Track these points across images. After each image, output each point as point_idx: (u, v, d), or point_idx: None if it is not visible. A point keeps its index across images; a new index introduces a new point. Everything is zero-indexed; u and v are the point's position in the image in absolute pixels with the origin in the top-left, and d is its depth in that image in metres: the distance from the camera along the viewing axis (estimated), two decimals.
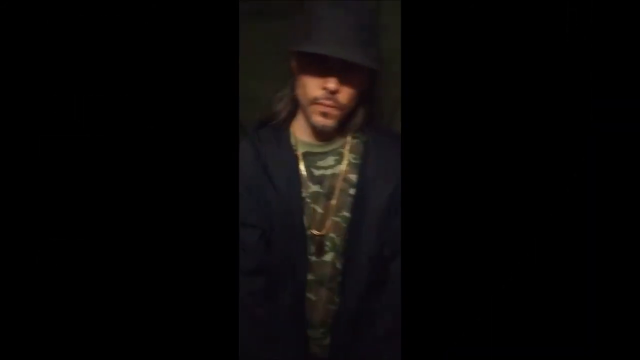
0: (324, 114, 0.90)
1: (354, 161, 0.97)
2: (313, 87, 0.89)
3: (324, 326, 0.96)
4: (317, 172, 0.96)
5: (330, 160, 0.97)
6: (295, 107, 0.97)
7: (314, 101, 0.89)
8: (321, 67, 0.87)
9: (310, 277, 0.94)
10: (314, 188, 0.95)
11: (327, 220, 0.94)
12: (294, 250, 0.93)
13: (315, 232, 0.94)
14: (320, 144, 0.97)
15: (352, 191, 0.95)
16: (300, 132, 0.98)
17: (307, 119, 0.93)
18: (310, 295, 0.95)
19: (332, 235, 0.94)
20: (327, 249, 0.94)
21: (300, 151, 0.97)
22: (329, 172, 0.96)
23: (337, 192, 0.94)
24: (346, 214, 0.94)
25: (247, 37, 1.13)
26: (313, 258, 0.94)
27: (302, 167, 0.95)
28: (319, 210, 0.94)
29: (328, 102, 0.88)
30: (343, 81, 0.87)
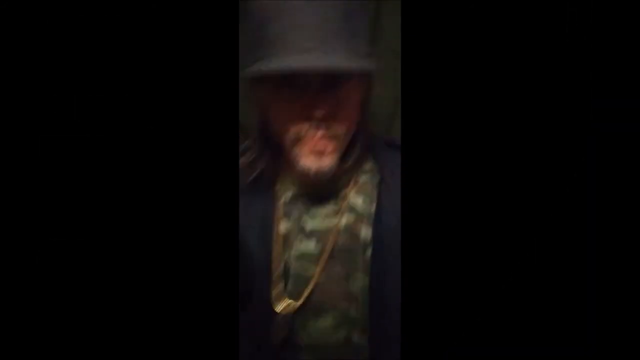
0: (317, 153, 0.65)
1: (361, 209, 0.72)
2: (292, 120, 0.64)
3: None
4: (309, 226, 0.72)
5: (327, 208, 0.72)
6: (272, 155, 0.72)
7: (298, 139, 0.65)
8: (298, 89, 0.63)
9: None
10: (307, 246, 0.72)
11: (337, 291, 0.71)
12: (268, 328, 0.71)
13: (321, 303, 0.71)
14: (313, 185, 0.71)
15: (368, 252, 0.70)
16: (284, 178, 0.73)
17: (293, 164, 0.68)
18: None
19: (351, 311, 0.71)
20: (336, 321, 0.72)
21: (283, 199, 0.73)
22: (324, 224, 0.72)
23: (344, 252, 0.71)
24: (364, 283, 0.71)
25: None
26: (325, 334, 0.71)
27: (284, 221, 0.72)
28: (320, 275, 0.71)
29: (318, 136, 0.64)
30: (332, 101, 0.63)
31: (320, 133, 0.64)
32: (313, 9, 0.59)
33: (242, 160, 0.72)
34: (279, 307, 0.70)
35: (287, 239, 0.71)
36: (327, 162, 0.66)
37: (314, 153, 0.65)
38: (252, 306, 0.70)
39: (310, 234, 0.71)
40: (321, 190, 0.72)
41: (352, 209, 0.72)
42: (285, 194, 0.72)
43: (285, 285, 0.71)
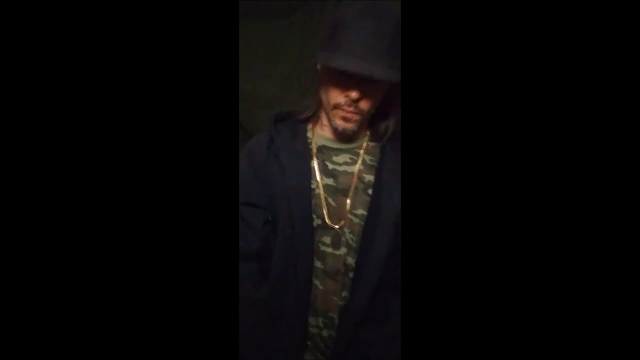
0: (345, 119, 0.95)
1: (370, 162, 1.01)
2: (336, 94, 0.94)
3: (325, 317, 0.97)
4: (330, 166, 1.00)
5: (345, 157, 1.01)
6: (317, 106, 1.03)
7: (337, 107, 0.95)
8: (344, 77, 0.91)
9: (318, 265, 0.97)
10: (327, 181, 0.99)
11: (343, 216, 0.97)
12: (301, 237, 0.96)
13: (331, 224, 0.96)
14: (338, 141, 1.02)
15: (369, 191, 0.98)
16: (319, 128, 1.03)
17: (329, 120, 0.99)
18: (317, 283, 0.97)
19: (346, 230, 0.97)
20: (341, 243, 0.98)
21: (315, 145, 1.02)
22: (342, 168, 1.01)
23: (352, 189, 0.99)
24: (363, 212, 0.98)
25: (247, 37, 1.14)
26: (328, 249, 0.97)
27: (315, 159, 1.01)
28: (333, 203, 0.98)
29: (349, 109, 0.94)
30: (365, 90, 0.92)
31: (351, 107, 0.94)
32: (372, 27, 0.89)
33: (306, 103, 1.06)
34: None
35: (314, 173, 1.00)
36: (350, 126, 0.97)
37: (344, 119, 0.96)
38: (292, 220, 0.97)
39: (330, 173, 1.01)
40: (341, 145, 1.03)
41: (363, 161, 1.02)
42: (317, 142, 1.04)
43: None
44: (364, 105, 0.94)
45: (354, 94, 0.91)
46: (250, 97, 1.52)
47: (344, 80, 0.92)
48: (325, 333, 0.96)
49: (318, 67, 0.98)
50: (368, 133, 1.04)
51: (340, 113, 0.95)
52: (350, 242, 0.97)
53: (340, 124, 0.96)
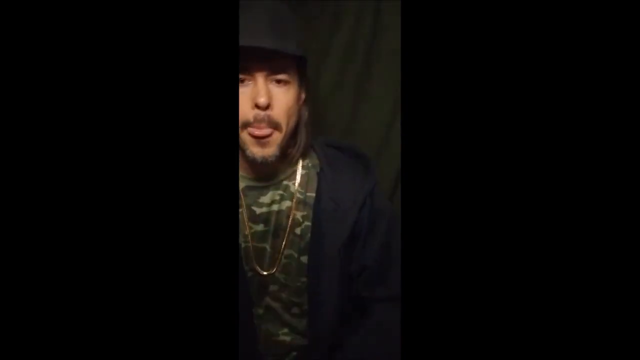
0: (260, 141, 0.79)
1: (300, 196, 0.89)
2: (245, 109, 0.78)
3: (277, 355, 0.95)
4: (259, 210, 0.88)
5: (274, 195, 0.89)
6: None
7: (245, 125, 0.78)
8: (248, 78, 0.77)
9: (259, 311, 0.93)
10: (257, 228, 0.89)
11: (277, 260, 0.90)
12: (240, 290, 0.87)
13: (260, 271, 0.89)
14: (262, 177, 0.88)
15: (297, 230, 0.89)
16: (241, 167, 0.87)
17: (244, 152, 0.82)
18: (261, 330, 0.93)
19: (281, 275, 0.91)
20: (273, 287, 0.92)
21: (240, 186, 0.88)
22: (274, 208, 0.89)
23: (283, 231, 0.89)
24: (294, 253, 0.90)
25: None
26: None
27: (241, 208, 0.87)
28: (268, 249, 0.90)
29: (262, 125, 0.78)
30: (274, 92, 0.78)
31: (263, 122, 0.77)
32: (260, 14, 0.76)
33: None
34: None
35: (243, 223, 0.87)
36: (269, 151, 0.79)
37: (258, 142, 0.78)
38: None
39: (258, 218, 0.88)
40: (266, 181, 0.88)
41: (291, 196, 0.88)
42: (241, 183, 0.87)
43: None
44: (278, 114, 0.78)
45: (262, 99, 0.76)
46: None
47: (249, 85, 0.77)
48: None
49: None
50: (300, 161, 0.89)
51: (253, 132, 0.78)
52: (288, 287, 0.90)
53: (256, 151, 0.79)
